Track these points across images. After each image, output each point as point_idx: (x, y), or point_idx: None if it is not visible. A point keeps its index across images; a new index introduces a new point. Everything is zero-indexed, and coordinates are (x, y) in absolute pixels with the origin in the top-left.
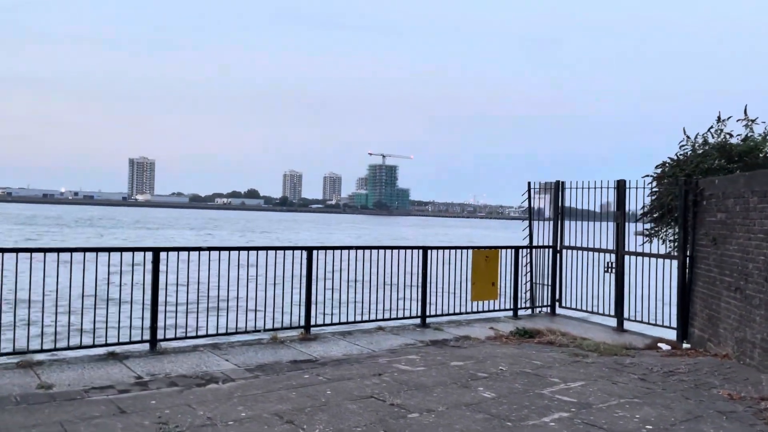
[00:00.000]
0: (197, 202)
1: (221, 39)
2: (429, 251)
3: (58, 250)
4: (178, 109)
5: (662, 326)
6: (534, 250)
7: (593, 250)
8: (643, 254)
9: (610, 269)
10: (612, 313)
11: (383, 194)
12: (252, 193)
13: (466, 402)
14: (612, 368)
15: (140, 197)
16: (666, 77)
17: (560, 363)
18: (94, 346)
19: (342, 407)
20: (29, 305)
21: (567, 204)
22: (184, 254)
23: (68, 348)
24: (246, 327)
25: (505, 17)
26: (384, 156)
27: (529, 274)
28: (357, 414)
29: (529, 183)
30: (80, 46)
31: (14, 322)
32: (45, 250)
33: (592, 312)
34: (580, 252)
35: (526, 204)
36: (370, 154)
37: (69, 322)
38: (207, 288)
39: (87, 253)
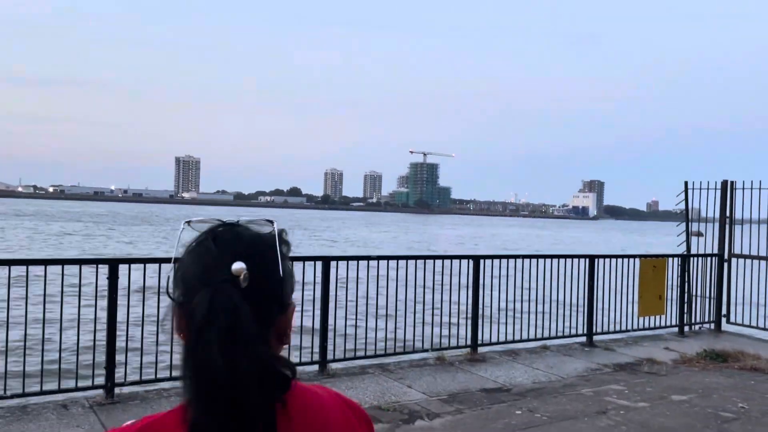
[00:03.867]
0: (241, 200)
1: (260, 38)
2: (596, 260)
3: None
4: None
5: None
6: (695, 258)
7: None
8: None
9: None
10: None
11: (424, 192)
12: (294, 191)
13: None
14: None
15: (186, 195)
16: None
17: None
18: None
19: None
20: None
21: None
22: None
23: None
24: (414, 346)
25: (544, 13)
26: (425, 154)
27: (686, 286)
28: None
29: (686, 183)
30: (124, 46)
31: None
32: None
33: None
34: (754, 261)
35: (574, 203)
36: (411, 152)
37: None
38: (375, 301)
39: None
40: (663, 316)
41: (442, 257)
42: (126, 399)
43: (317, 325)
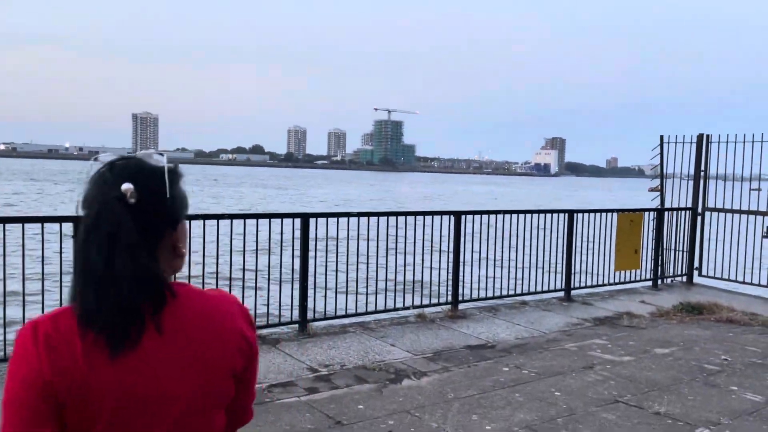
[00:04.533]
0: (202, 157)
1: None
2: (575, 215)
3: (189, 218)
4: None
5: None
6: (669, 213)
7: (747, 212)
8: None
9: None
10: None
11: (389, 150)
12: (257, 149)
13: (741, 409)
14: None
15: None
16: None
17: None
18: None
19: (597, 417)
20: None
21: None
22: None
23: None
24: (395, 304)
25: None
26: (389, 111)
27: (661, 240)
28: (629, 430)
29: (661, 137)
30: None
31: None
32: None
33: (741, 282)
34: (727, 215)
35: (536, 160)
36: (376, 109)
37: None
38: (356, 259)
39: (220, 221)
40: (636, 270)
41: (423, 213)
42: None
43: (296, 284)
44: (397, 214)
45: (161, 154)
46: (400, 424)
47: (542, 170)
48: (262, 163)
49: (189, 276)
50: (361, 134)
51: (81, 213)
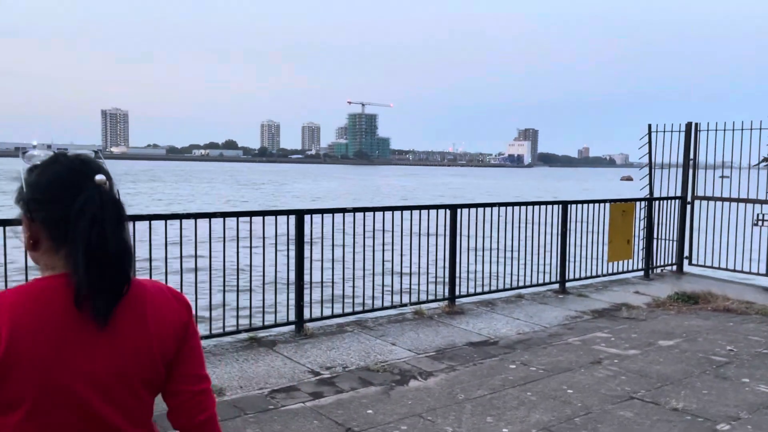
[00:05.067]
0: (174, 153)
1: None
2: (570, 206)
3: (180, 216)
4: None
5: None
6: (658, 202)
7: (737, 200)
8: None
9: (761, 222)
10: (759, 271)
11: (363, 143)
12: (230, 144)
13: (759, 402)
14: None
15: (115, 149)
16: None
17: None
18: (237, 331)
19: (614, 415)
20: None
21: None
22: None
23: (205, 337)
24: (392, 300)
25: None
26: (363, 104)
27: (645, 229)
28: (650, 428)
29: (649, 126)
30: None
31: None
32: (165, 217)
33: (731, 270)
34: (716, 204)
35: (510, 151)
36: (349, 102)
37: (195, 305)
38: (352, 257)
39: (212, 219)
40: (627, 261)
41: (419, 207)
42: None
43: (292, 283)
44: (393, 209)
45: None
46: (414, 430)
47: (516, 161)
48: (235, 158)
49: (181, 281)
50: (336, 128)
51: (31, 207)
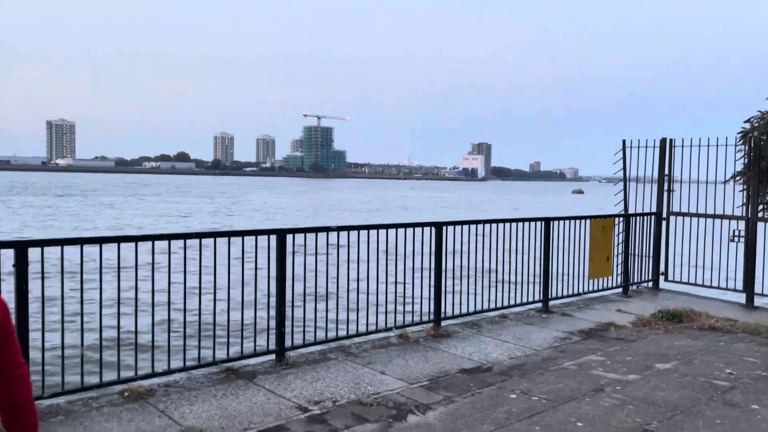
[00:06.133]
0: (123, 166)
1: None
2: (552, 222)
3: (153, 238)
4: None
5: None
6: (633, 218)
7: (713, 216)
8: None
9: (737, 238)
10: (735, 287)
11: (319, 156)
12: (182, 157)
13: None
14: None
15: (61, 161)
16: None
17: None
18: (213, 363)
19: None
20: (119, 312)
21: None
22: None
23: (177, 370)
24: (377, 324)
25: None
26: (319, 117)
27: (623, 246)
28: None
29: (623, 141)
30: None
31: (100, 338)
32: (136, 239)
33: (707, 286)
34: (692, 219)
35: (464, 164)
36: (305, 115)
37: (169, 335)
38: (336, 279)
39: (187, 240)
40: (606, 277)
41: (404, 225)
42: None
43: (272, 310)
44: (378, 227)
45: None
46: None
47: (470, 175)
48: (188, 170)
49: (152, 300)
50: (291, 140)
51: None
